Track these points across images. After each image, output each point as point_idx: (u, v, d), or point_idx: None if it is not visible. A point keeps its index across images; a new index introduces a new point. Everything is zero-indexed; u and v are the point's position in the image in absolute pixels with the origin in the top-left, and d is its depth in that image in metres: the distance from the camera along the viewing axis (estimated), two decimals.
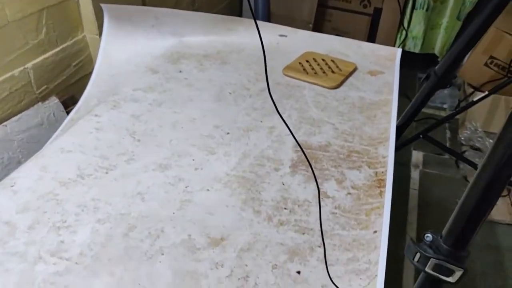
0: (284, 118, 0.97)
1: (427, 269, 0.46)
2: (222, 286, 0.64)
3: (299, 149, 0.89)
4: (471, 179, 0.47)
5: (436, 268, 0.46)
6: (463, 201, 0.46)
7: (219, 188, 0.80)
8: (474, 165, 1.73)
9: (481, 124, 1.89)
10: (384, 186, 0.80)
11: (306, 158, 0.53)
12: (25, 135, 1.26)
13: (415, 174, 1.83)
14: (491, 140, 1.90)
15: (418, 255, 0.47)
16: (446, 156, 1.89)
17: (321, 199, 0.78)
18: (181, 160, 0.87)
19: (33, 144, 1.26)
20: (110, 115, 0.98)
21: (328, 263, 0.67)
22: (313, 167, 0.85)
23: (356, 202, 0.77)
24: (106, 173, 0.83)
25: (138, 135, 0.93)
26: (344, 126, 0.97)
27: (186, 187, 0.80)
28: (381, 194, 0.78)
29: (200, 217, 0.74)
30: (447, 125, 2.09)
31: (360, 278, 0.64)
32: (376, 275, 0.63)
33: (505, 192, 1.84)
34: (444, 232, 0.48)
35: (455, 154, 1.79)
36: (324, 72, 1.15)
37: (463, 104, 2.02)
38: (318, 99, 1.06)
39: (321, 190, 0.80)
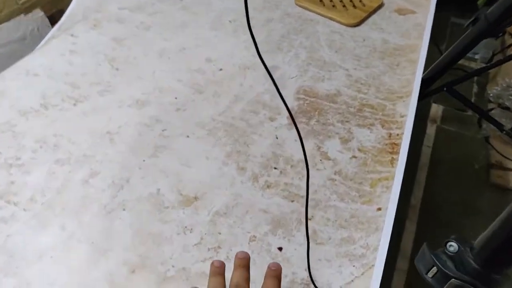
0: (290, 57, 0.83)
1: None
2: (187, 255, 0.54)
3: (302, 96, 0.76)
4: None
5: None
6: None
7: (202, 136, 0.68)
8: (499, 126, 1.58)
9: None
10: (397, 153, 0.67)
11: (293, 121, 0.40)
12: (5, 49, 1.13)
13: (431, 130, 1.68)
14: None
15: (434, 269, 0.35)
16: (469, 112, 1.73)
17: (319, 161, 0.66)
18: (162, 96, 0.74)
19: (14, 60, 1.14)
20: (88, 36, 0.84)
21: (317, 240, 0.56)
22: (315, 120, 0.72)
23: (361, 168, 0.65)
24: (74, 104, 0.71)
25: (118, 62, 0.80)
26: (359, 73, 0.82)
27: (163, 130, 0.69)
28: (392, 162, 0.66)
29: (174, 168, 0.63)
30: (475, 78, 1.90)
31: (353, 266, 0.53)
32: (373, 265, 0.53)
33: None
34: (476, 242, 0.35)
35: (480, 111, 1.62)
36: (344, 6, 0.97)
37: (498, 57, 1.82)
38: (333, 37, 0.91)
39: (321, 149, 0.68)
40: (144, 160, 0.64)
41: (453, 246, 0.36)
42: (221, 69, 0.80)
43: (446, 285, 0.34)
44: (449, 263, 0.35)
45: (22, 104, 0.70)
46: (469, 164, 1.57)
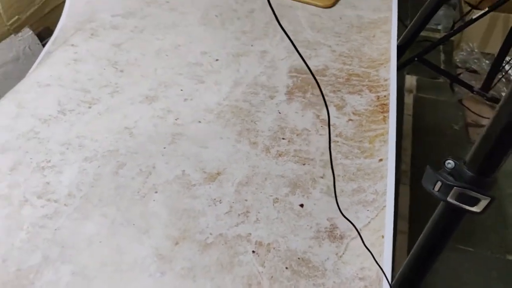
0: (277, 41, 0.90)
1: (449, 199, 0.42)
2: (221, 223, 0.61)
3: (294, 74, 0.83)
4: (501, 100, 0.42)
5: (459, 197, 0.42)
6: (492, 122, 0.42)
7: (212, 120, 0.75)
8: (469, 88, 1.69)
9: (477, 44, 1.82)
10: (387, 112, 0.75)
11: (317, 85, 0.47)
12: (0, 71, 1.17)
13: (408, 99, 1.79)
14: (487, 61, 1.84)
15: (438, 184, 0.43)
16: (441, 79, 1.84)
17: (320, 127, 0.74)
18: (168, 90, 0.80)
19: (11, 81, 1.17)
20: (88, 44, 0.90)
21: (332, 194, 0.64)
22: (310, 93, 0.79)
23: (359, 129, 0.73)
24: (89, 107, 0.77)
25: (121, 65, 0.85)
26: (341, 48, 0.90)
27: (176, 119, 0.75)
28: (384, 119, 0.74)
29: (193, 151, 0.70)
30: (441, 47, 2.01)
31: (368, 210, 0.61)
32: (384, 206, 0.61)
33: None
34: (468, 157, 0.44)
35: (451, 76, 1.73)
36: None
37: (458, 24, 1.94)
38: (312, 19, 0.98)
39: (320, 117, 0.75)
40: (164, 148, 0.70)
41: (450, 163, 0.44)
42: (217, 60, 0.87)
43: (450, 194, 0.42)
44: (449, 177, 0.43)
45: (41, 113, 0.75)
46: (449, 126, 1.67)
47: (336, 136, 0.72)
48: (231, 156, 0.69)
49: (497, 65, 1.60)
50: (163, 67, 0.85)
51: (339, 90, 0.80)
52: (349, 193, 0.64)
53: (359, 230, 0.59)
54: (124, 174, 0.66)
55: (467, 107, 1.77)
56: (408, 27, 1.19)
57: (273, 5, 1.01)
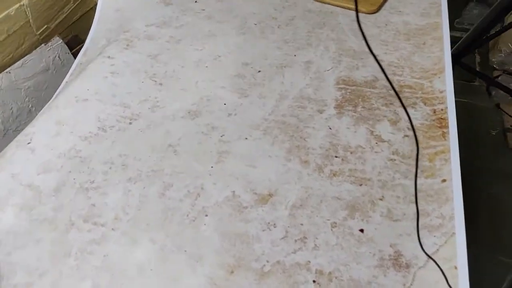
0: (321, 51, 0.86)
1: None
2: (277, 249, 0.57)
3: (342, 86, 0.79)
4: None
5: None
6: None
7: (259, 136, 0.71)
8: (508, 91, 1.62)
9: None
10: (446, 127, 0.70)
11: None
12: (31, 82, 1.15)
13: None
14: None
15: None
16: (476, 83, 1.77)
17: (375, 144, 0.69)
18: (211, 105, 0.77)
19: (41, 92, 1.16)
20: (124, 56, 0.87)
21: (393, 218, 0.60)
22: (361, 106, 0.75)
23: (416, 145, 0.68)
24: (130, 123, 0.74)
25: (159, 77, 0.82)
26: (390, 57, 0.85)
27: (221, 136, 0.71)
28: (443, 135, 0.69)
29: (242, 170, 0.66)
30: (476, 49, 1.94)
31: (434, 236, 0.57)
32: (454, 233, 0.56)
33: None
34: None
35: (488, 79, 1.67)
36: None
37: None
38: (356, 26, 0.94)
39: (374, 133, 0.71)
40: (212, 167, 0.67)
41: None
42: (259, 71, 0.83)
43: None
44: None
45: (80, 130, 0.73)
46: (486, 132, 1.61)
47: (393, 153, 0.68)
48: (281, 176, 0.65)
49: None
50: (203, 80, 0.82)
51: (391, 103, 0.76)
52: (412, 216, 0.60)
53: (426, 258, 0.55)
54: (171, 195, 0.63)
55: (505, 112, 1.70)
56: (466, 34, 1.13)
57: (314, 12, 0.97)
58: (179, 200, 0.63)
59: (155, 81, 0.81)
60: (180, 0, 1.01)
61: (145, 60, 0.86)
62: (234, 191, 0.63)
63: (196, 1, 1.01)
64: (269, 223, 0.60)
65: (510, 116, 1.68)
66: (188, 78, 0.82)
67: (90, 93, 0.79)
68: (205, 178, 0.65)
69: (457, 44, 1.16)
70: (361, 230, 0.59)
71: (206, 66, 0.85)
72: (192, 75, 0.83)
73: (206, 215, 0.61)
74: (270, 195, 0.63)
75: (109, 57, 0.86)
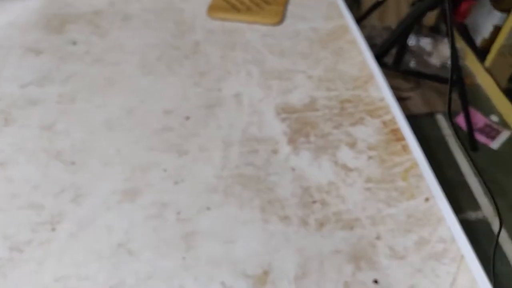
0: (244, 77, 0.78)
1: None
2: None
3: (284, 116, 0.72)
4: None
5: None
6: None
7: (221, 201, 0.60)
8: (384, 65, 1.74)
9: (378, 19, 1.87)
10: (403, 139, 0.68)
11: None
12: None
13: None
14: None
15: None
16: None
17: (344, 175, 0.64)
18: (148, 175, 0.63)
19: None
20: (7, 136, 0.67)
21: (397, 256, 0.55)
22: (313, 135, 0.69)
23: (383, 165, 0.65)
24: (53, 229, 0.56)
25: (67, 155, 0.65)
26: (316, 71, 0.80)
27: (177, 214, 0.59)
28: (404, 149, 0.67)
29: (221, 251, 0.55)
30: None
31: (444, 264, 0.54)
32: (462, 255, 0.54)
33: (412, 85, 1.92)
34: None
35: None
36: (257, 5, 0.93)
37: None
38: (267, 41, 0.87)
39: (338, 163, 0.66)
40: (183, 258, 0.54)
41: None
42: (188, 117, 0.71)
43: None
44: None
45: None
46: None
47: (366, 182, 0.63)
48: (267, 244, 0.56)
49: (402, 41, 1.67)
50: (125, 145, 0.67)
51: (341, 124, 0.71)
52: (413, 248, 0.56)
53: None
54: None
55: None
56: (389, 34, 1.15)
57: (217, 33, 0.87)
58: None
59: (64, 160, 0.64)
60: (53, 45, 0.82)
61: (38, 134, 0.67)
62: (223, 282, 0.52)
63: (75, 43, 0.83)
64: None
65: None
66: (105, 147, 0.66)
67: None
68: (182, 276, 0.53)
69: (377, 48, 1.17)
70: (375, 281, 0.53)
71: (121, 126, 0.69)
72: (109, 142, 0.67)
73: None
74: (266, 272, 0.53)
75: None
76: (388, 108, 0.73)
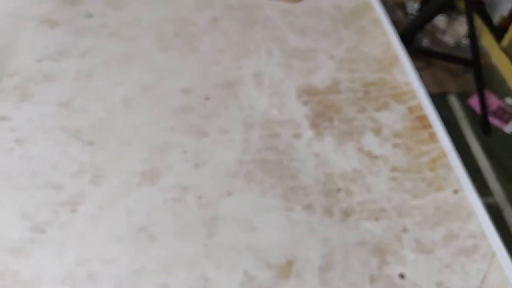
0: (265, 56, 0.75)
1: None
2: None
3: (306, 98, 0.70)
4: None
5: None
6: None
7: (243, 187, 0.59)
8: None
9: None
10: (430, 126, 0.66)
11: None
12: None
13: None
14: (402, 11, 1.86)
15: None
16: None
17: (370, 162, 0.62)
18: (167, 157, 0.61)
19: None
20: (24, 112, 0.65)
21: (425, 250, 0.54)
22: (336, 119, 0.67)
23: (410, 155, 0.63)
24: (74, 211, 0.55)
25: (85, 133, 0.63)
26: (338, 51, 0.78)
27: (198, 198, 0.57)
28: (432, 137, 0.65)
29: (244, 239, 0.54)
30: None
31: (475, 261, 0.53)
32: (494, 252, 0.53)
33: (424, 64, 1.87)
34: None
35: None
36: None
37: None
38: (289, 19, 0.83)
39: (363, 150, 0.64)
40: (205, 244, 0.53)
41: None
42: (207, 98, 0.69)
43: None
44: None
45: (5, 239, 0.52)
46: None
47: (392, 171, 0.62)
48: (291, 233, 0.55)
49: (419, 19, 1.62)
50: (144, 124, 0.65)
51: (365, 109, 0.69)
52: (442, 242, 0.55)
53: None
54: None
55: None
56: (415, 16, 1.10)
57: (236, 9, 0.84)
58: None
59: (82, 139, 0.62)
60: (68, 17, 0.79)
61: (56, 111, 0.65)
62: (246, 271, 0.52)
63: (90, 16, 0.80)
64: None
65: None
66: (123, 125, 0.64)
67: None
68: (204, 264, 0.52)
69: (404, 29, 1.13)
70: (401, 276, 0.52)
71: (139, 104, 0.67)
72: (127, 121, 0.65)
73: None
74: (290, 263, 0.52)
75: (4, 118, 0.63)
76: (414, 93, 0.71)
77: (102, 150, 0.61)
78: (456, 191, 0.59)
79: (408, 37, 1.17)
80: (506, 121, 1.75)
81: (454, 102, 1.82)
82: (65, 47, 0.74)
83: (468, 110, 1.78)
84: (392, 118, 0.68)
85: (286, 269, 0.52)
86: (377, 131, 0.66)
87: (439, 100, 1.82)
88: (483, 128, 1.67)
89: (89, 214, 0.55)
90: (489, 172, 1.55)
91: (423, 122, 0.67)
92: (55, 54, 0.73)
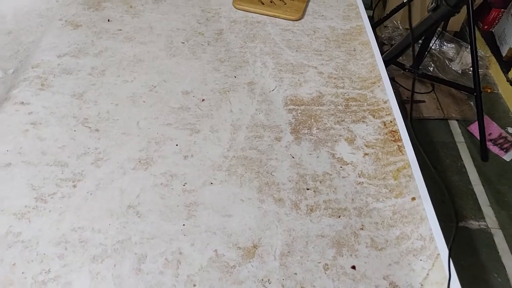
0: (260, 68, 0.83)
1: None
2: None
3: (291, 107, 0.77)
4: None
5: None
6: None
7: (224, 178, 0.67)
8: (401, 66, 1.76)
9: (400, 21, 1.89)
10: (400, 140, 0.73)
11: None
12: None
13: None
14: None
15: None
16: None
17: (340, 168, 0.70)
18: (162, 148, 0.70)
19: None
20: (42, 99, 0.74)
21: (378, 247, 0.61)
22: (315, 128, 0.75)
23: (377, 163, 0.70)
24: (74, 186, 0.64)
25: (93, 122, 0.72)
26: (327, 68, 0.85)
27: (183, 185, 0.66)
28: (400, 150, 0.72)
29: (218, 222, 0.62)
30: None
31: (420, 260, 0.59)
32: (438, 254, 0.59)
33: (430, 89, 1.93)
34: None
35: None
36: (281, 0, 0.98)
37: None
38: (286, 36, 0.92)
39: (335, 156, 0.71)
40: (184, 225, 0.61)
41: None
42: (203, 100, 0.77)
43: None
44: None
45: (12, 205, 0.61)
46: None
47: (359, 176, 0.69)
48: (260, 221, 0.62)
49: (425, 44, 1.68)
50: (145, 118, 0.74)
51: (343, 120, 0.76)
52: (394, 242, 0.62)
53: (420, 285, 0.57)
54: (149, 269, 0.57)
55: (400, 84, 1.85)
56: (399, 40, 1.18)
57: (240, 23, 0.93)
58: (160, 273, 0.56)
59: (89, 127, 0.71)
60: (90, 21, 0.89)
61: (70, 101, 0.74)
62: (216, 250, 0.59)
63: (109, 20, 0.89)
64: (262, 279, 0.57)
65: (405, 88, 1.84)
66: (127, 118, 0.73)
67: (11, 154, 0.66)
68: (181, 240, 0.60)
69: (387, 52, 1.21)
70: (353, 267, 0.59)
71: (144, 101, 0.76)
72: (131, 114, 0.74)
73: (195, 285, 0.56)
74: (255, 246, 0.60)
75: (22, 103, 0.73)
76: (391, 110, 0.78)
77: (106, 137, 0.70)
78: (414, 198, 0.66)
79: (391, 60, 1.23)
80: (506, 150, 1.79)
81: (455, 126, 1.87)
82: (84, 46, 0.84)
83: (469, 135, 1.82)
84: (367, 130, 0.75)
85: (251, 251, 0.59)
86: (351, 141, 0.73)
87: (441, 124, 1.88)
88: (481, 154, 1.72)
89: (87, 190, 0.64)
90: (483, 197, 1.60)
91: (394, 136, 0.74)
92: (75, 51, 0.82)
